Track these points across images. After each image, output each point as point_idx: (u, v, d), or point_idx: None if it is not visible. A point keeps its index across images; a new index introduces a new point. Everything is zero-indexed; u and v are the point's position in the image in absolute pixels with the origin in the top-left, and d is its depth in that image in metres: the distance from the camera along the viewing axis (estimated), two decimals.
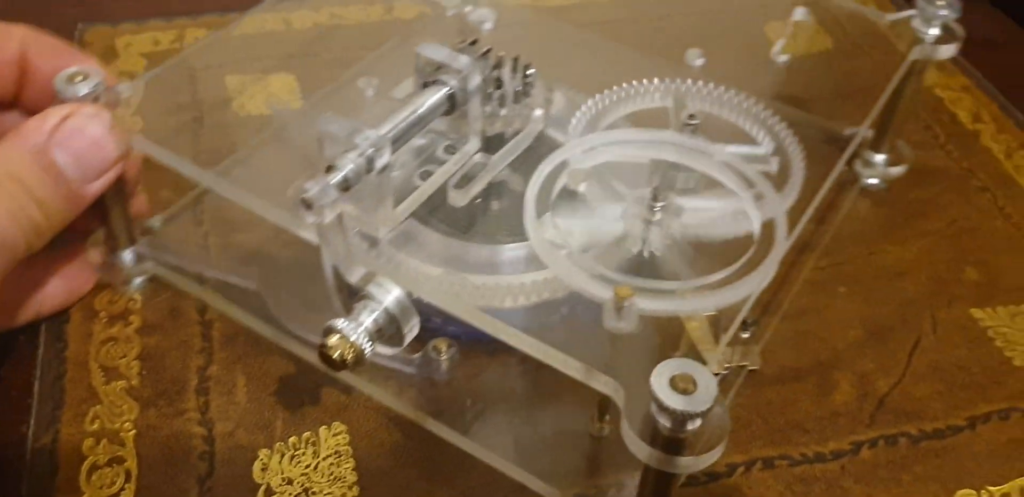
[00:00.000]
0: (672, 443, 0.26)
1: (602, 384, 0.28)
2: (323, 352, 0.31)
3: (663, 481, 0.28)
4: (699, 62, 0.45)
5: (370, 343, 0.31)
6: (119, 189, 0.38)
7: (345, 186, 0.32)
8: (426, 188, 0.37)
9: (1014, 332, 0.43)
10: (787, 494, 0.36)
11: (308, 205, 0.31)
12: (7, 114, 0.38)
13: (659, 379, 0.25)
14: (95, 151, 0.34)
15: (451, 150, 0.39)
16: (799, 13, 0.46)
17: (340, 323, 0.31)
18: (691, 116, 0.40)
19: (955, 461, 0.38)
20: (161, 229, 0.43)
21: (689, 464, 0.26)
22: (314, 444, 0.37)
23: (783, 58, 0.46)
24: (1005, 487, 0.37)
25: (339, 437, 0.37)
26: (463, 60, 0.37)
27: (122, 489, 0.35)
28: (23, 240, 0.33)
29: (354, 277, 0.32)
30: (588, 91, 0.42)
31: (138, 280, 0.41)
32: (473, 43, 0.39)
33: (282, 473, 0.36)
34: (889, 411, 0.40)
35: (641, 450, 0.26)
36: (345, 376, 0.38)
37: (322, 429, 0.37)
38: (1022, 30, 0.65)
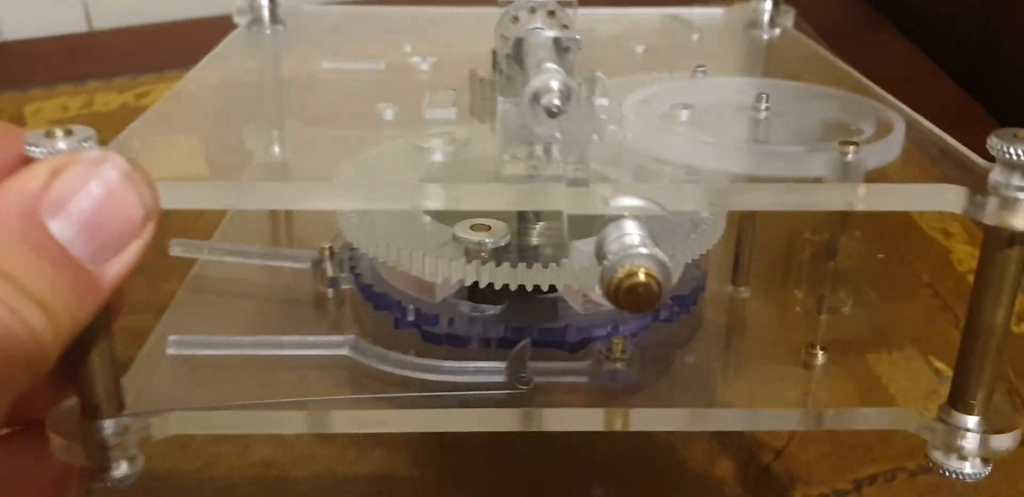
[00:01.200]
0: None
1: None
2: (631, 288, 0.24)
3: None
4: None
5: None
6: (102, 321, 0.26)
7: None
8: None
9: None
10: None
11: (553, 110, 0.27)
12: None
13: None
14: (111, 212, 0.23)
15: None
16: None
17: (629, 252, 0.25)
18: (699, 65, 0.40)
19: None
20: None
21: None
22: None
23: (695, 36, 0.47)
24: None
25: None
26: None
27: None
28: (23, 363, 0.22)
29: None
30: None
31: (123, 468, 0.28)
32: None
33: None
34: (775, 476, 0.38)
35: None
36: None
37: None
38: (937, 67, 0.66)
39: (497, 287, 0.31)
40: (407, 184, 0.27)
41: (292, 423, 0.30)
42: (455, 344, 0.33)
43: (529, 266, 0.31)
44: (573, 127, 0.29)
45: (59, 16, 0.66)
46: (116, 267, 0.24)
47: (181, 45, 0.61)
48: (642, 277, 0.24)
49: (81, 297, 0.24)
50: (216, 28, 0.44)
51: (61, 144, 0.24)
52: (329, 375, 0.32)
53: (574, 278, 0.31)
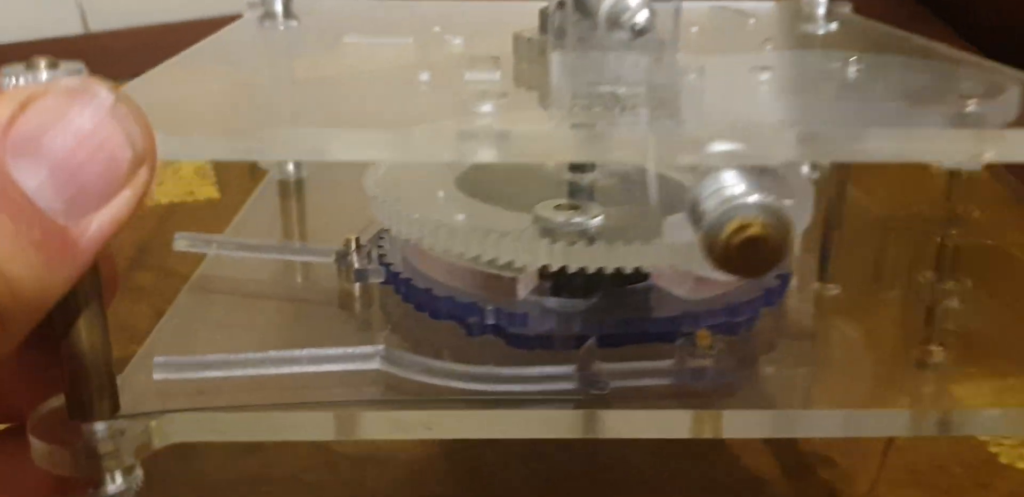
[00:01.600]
0: None
1: None
2: (746, 243, 0.20)
3: None
4: None
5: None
6: (91, 298, 0.22)
7: None
8: None
9: None
10: None
11: (638, 28, 0.25)
12: None
13: None
14: (90, 153, 0.19)
15: None
16: None
17: (735, 203, 0.20)
18: (767, 38, 0.38)
19: None
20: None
21: None
22: None
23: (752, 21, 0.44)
24: None
25: None
26: None
27: None
28: None
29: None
30: None
31: (117, 481, 0.23)
32: None
33: None
34: None
35: None
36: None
37: None
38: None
39: (608, 272, 0.27)
40: (452, 130, 0.23)
41: (318, 427, 0.25)
42: (546, 347, 0.28)
43: (645, 244, 0.26)
44: (651, 68, 0.25)
45: (54, 17, 0.64)
46: (99, 223, 0.19)
47: (181, 47, 0.57)
48: (759, 228, 0.20)
49: (50, 259, 0.19)
50: (219, 29, 0.40)
51: (44, 76, 0.20)
52: (358, 393, 0.27)
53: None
